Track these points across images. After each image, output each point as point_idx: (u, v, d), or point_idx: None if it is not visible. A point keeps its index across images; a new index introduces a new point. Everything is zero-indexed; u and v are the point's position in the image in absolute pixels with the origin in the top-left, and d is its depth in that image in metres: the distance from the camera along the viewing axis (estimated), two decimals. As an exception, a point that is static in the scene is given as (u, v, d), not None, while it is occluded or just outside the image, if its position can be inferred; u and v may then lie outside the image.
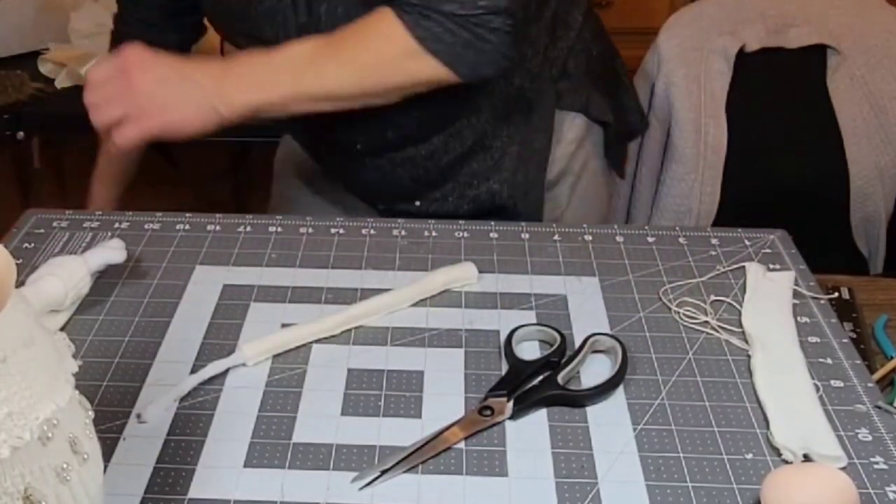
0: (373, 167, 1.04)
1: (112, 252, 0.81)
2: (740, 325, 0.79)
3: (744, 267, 0.86)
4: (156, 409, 0.68)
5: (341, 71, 0.89)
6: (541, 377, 0.72)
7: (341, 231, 0.92)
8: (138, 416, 0.68)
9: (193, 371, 0.72)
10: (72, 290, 0.77)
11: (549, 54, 1.05)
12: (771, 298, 0.82)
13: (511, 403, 0.69)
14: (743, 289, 0.83)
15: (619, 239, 0.91)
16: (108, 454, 0.64)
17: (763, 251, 0.89)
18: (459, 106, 1.00)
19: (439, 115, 1.00)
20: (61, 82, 1.91)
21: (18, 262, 0.85)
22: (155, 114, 0.87)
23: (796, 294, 0.83)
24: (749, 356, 0.75)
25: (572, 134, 1.09)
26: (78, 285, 0.78)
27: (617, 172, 1.22)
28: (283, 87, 0.89)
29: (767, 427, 0.68)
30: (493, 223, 0.93)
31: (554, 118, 1.06)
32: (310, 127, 1.04)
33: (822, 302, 0.82)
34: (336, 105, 0.91)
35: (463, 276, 0.83)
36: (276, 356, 0.75)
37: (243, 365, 0.73)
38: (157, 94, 0.87)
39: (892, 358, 0.79)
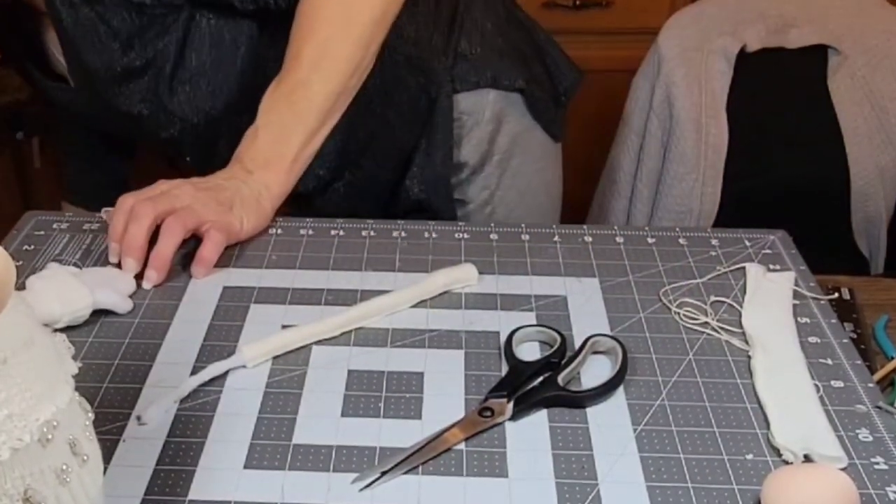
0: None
1: (120, 300, 0.80)
2: (740, 326, 0.79)
3: (744, 268, 0.86)
4: (156, 410, 0.68)
5: (323, 67, 0.90)
6: (541, 378, 0.72)
7: (341, 232, 0.92)
8: (138, 417, 0.68)
9: (193, 373, 0.72)
10: (67, 315, 0.76)
11: (436, 44, 1.05)
12: (771, 299, 0.82)
13: (511, 404, 0.69)
14: (743, 289, 0.83)
15: (619, 240, 0.91)
16: (108, 456, 0.64)
17: (763, 252, 0.89)
18: (376, 125, 1.01)
19: (360, 140, 1.01)
20: (62, 83, 1.91)
21: (18, 263, 0.85)
22: (218, 217, 0.86)
23: (796, 294, 0.83)
24: (749, 357, 0.75)
25: (489, 112, 1.08)
26: (76, 316, 0.77)
27: (552, 136, 1.18)
28: (296, 131, 0.91)
29: (768, 428, 0.68)
30: (492, 225, 0.93)
31: (453, 107, 1.06)
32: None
33: (823, 302, 0.82)
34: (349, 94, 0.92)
35: (463, 277, 0.83)
36: (275, 358, 0.75)
37: (243, 367, 0.73)
38: (209, 195, 0.87)
39: (892, 358, 0.79)
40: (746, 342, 0.77)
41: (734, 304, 0.82)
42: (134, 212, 0.84)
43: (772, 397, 0.71)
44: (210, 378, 0.72)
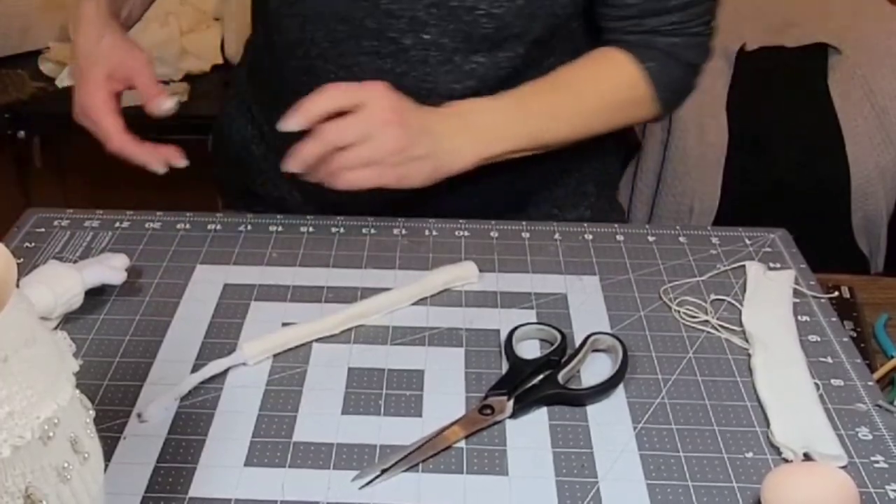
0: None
1: (111, 272, 0.80)
2: (740, 324, 0.79)
3: (744, 266, 0.86)
4: (156, 408, 0.68)
5: (578, 122, 0.92)
6: (541, 376, 0.72)
7: (342, 230, 0.92)
8: (139, 415, 0.68)
9: (194, 370, 0.72)
10: (62, 305, 0.76)
11: None
12: (771, 297, 0.82)
13: (511, 402, 0.69)
14: (743, 288, 0.83)
15: (620, 238, 0.91)
16: (108, 453, 0.64)
17: (763, 250, 0.89)
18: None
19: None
20: (62, 81, 1.91)
21: (19, 261, 0.85)
22: (393, 166, 0.84)
23: (797, 293, 0.83)
24: (749, 355, 0.75)
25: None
26: (70, 301, 0.77)
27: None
28: (518, 140, 0.90)
29: (768, 426, 0.68)
30: (493, 222, 0.93)
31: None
32: None
33: (823, 301, 0.82)
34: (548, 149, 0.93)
35: (463, 274, 0.83)
36: (276, 355, 0.75)
37: (244, 364, 0.73)
38: (402, 148, 0.83)
39: (892, 357, 0.79)
40: (746, 340, 0.77)
41: (734, 303, 0.82)
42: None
43: (772, 396, 0.71)
44: (211, 375, 0.72)
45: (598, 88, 0.93)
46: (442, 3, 0.87)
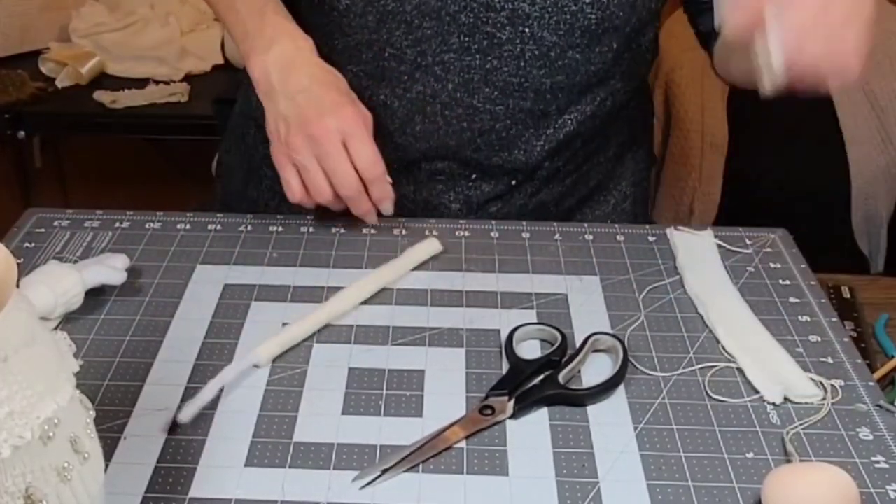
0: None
1: (111, 273, 0.80)
2: (741, 325, 0.79)
3: (741, 264, 0.86)
4: (192, 409, 0.68)
5: None
6: (542, 376, 0.72)
7: (342, 230, 0.92)
8: (175, 421, 0.67)
9: (194, 370, 0.73)
10: (62, 305, 0.76)
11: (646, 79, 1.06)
12: (703, 260, 0.86)
13: (512, 402, 0.69)
14: (743, 287, 0.83)
15: (620, 238, 0.91)
16: (108, 453, 0.64)
17: (764, 250, 0.89)
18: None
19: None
20: (62, 82, 1.91)
21: (19, 261, 0.85)
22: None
23: (797, 293, 0.83)
24: (701, 315, 0.80)
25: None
26: (70, 302, 0.77)
27: None
28: None
29: (743, 376, 0.73)
30: (493, 222, 0.93)
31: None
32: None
33: (823, 301, 0.82)
34: None
35: (430, 249, 0.86)
36: (276, 356, 0.75)
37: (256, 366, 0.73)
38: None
39: (892, 357, 0.79)
40: (693, 303, 0.81)
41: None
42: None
43: (738, 349, 0.75)
44: (231, 379, 0.71)
45: None
46: None
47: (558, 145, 0.95)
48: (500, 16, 0.86)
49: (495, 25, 0.86)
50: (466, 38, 0.87)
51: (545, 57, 0.88)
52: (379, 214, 0.89)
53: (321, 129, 0.84)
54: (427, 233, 0.91)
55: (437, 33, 0.87)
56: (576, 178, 1.00)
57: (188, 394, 0.70)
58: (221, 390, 0.71)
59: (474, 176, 0.96)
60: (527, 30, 0.87)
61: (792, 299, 0.82)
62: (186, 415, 0.67)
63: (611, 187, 1.05)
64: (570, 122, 0.93)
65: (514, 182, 0.96)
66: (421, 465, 0.65)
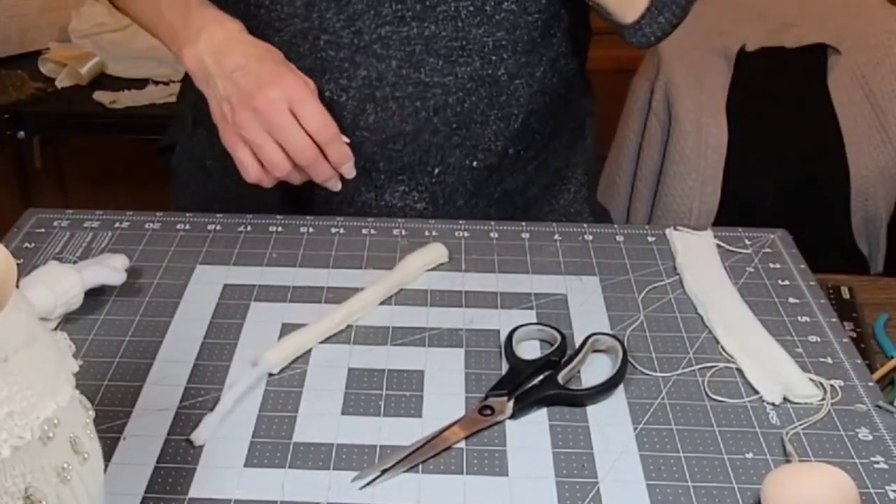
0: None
1: (111, 273, 0.80)
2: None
3: (739, 265, 0.86)
4: (206, 429, 0.67)
5: None
6: (541, 376, 0.72)
7: (342, 231, 0.92)
8: (189, 440, 0.66)
9: (194, 371, 0.73)
10: (61, 305, 0.76)
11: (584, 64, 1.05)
12: (702, 260, 0.86)
13: (511, 403, 0.69)
14: (743, 287, 0.83)
15: (620, 238, 0.91)
16: (108, 453, 0.64)
17: (763, 251, 0.89)
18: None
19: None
20: (62, 82, 1.91)
21: (19, 261, 0.85)
22: None
23: (797, 293, 0.83)
24: (701, 316, 0.80)
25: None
26: (70, 302, 0.76)
27: None
28: None
29: (742, 376, 0.73)
30: (493, 223, 0.93)
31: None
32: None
33: (823, 301, 0.82)
34: None
35: (436, 256, 0.86)
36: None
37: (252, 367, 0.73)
38: None
39: (892, 357, 0.79)
40: (693, 303, 0.81)
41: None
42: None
43: (738, 349, 0.75)
44: (246, 388, 0.70)
45: None
46: None
47: (515, 124, 0.94)
48: None
49: None
50: (399, 6, 0.86)
51: (481, 12, 0.87)
52: (343, 180, 0.87)
53: (264, 101, 0.81)
54: (426, 233, 0.91)
55: (369, 6, 0.86)
56: (536, 165, 1.00)
57: (188, 394, 0.70)
58: (220, 392, 0.71)
59: (437, 171, 0.94)
60: None
61: (791, 299, 0.82)
62: (201, 436, 0.66)
63: (569, 175, 1.05)
64: (520, 90, 0.92)
65: (474, 164, 0.94)
66: (420, 466, 0.65)
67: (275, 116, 0.81)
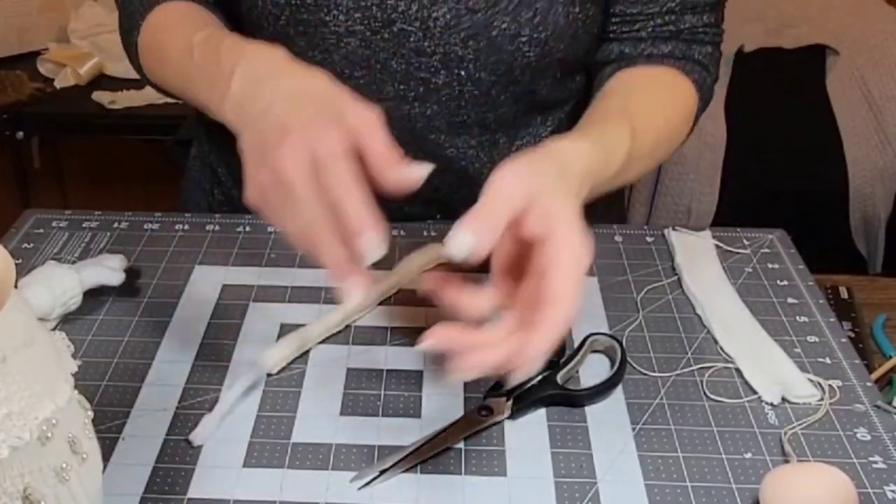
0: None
1: (110, 273, 0.80)
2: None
3: (738, 265, 0.86)
4: (205, 429, 0.67)
5: (647, 159, 0.82)
6: (540, 377, 0.72)
7: (340, 231, 0.91)
8: (189, 441, 0.66)
9: (193, 371, 0.73)
10: (60, 306, 0.76)
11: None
12: (702, 260, 0.86)
13: (510, 403, 0.69)
14: (741, 288, 0.83)
15: (618, 239, 0.91)
16: (107, 454, 0.64)
17: (762, 251, 0.89)
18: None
19: None
20: (61, 82, 1.91)
21: (18, 262, 0.85)
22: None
23: (795, 293, 0.83)
24: (699, 315, 0.80)
25: None
26: (68, 302, 0.77)
27: None
28: (599, 185, 0.70)
29: (741, 376, 0.73)
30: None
31: None
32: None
33: (821, 301, 0.82)
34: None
35: (438, 256, 0.85)
36: (275, 356, 0.75)
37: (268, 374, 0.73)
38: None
39: (890, 357, 0.79)
40: (691, 303, 0.82)
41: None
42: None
43: (736, 350, 0.75)
44: (245, 389, 0.70)
45: (665, 114, 0.84)
46: (481, 34, 0.81)
47: None
48: (432, 60, 0.83)
49: (429, 70, 0.84)
50: (402, 86, 0.85)
51: (486, 95, 0.86)
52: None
53: (280, 160, 0.60)
54: (426, 233, 0.91)
55: (370, 82, 0.85)
56: None
57: (187, 394, 0.71)
58: (218, 392, 0.71)
59: (438, 216, 0.94)
60: (462, 72, 0.84)
61: (790, 300, 0.83)
62: (200, 437, 0.66)
63: None
64: (525, 146, 0.92)
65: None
66: (419, 466, 0.65)
67: (287, 181, 0.60)
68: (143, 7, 0.84)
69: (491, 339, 0.58)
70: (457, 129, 0.88)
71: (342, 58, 0.84)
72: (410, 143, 0.86)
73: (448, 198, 0.91)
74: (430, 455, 0.65)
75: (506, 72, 0.84)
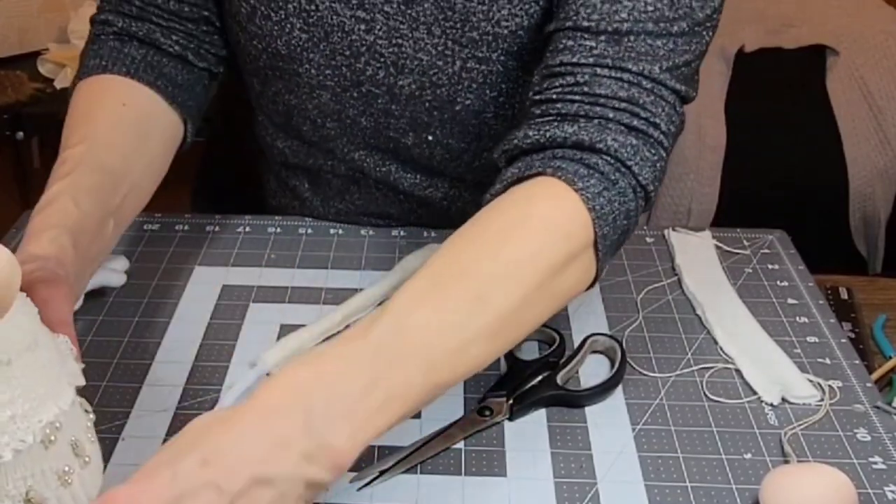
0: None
1: (110, 274, 0.80)
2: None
3: (738, 265, 0.86)
4: (233, 394, 0.68)
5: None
6: (540, 377, 0.72)
7: (340, 231, 0.92)
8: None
9: (192, 371, 0.73)
10: None
11: None
12: (701, 261, 0.87)
13: (510, 403, 0.69)
14: (741, 288, 0.83)
15: (618, 239, 0.91)
16: (107, 454, 0.64)
17: (762, 251, 0.89)
18: None
19: None
20: (61, 82, 1.91)
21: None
22: None
23: (795, 293, 0.83)
24: (699, 315, 0.80)
25: None
26: None
27: None
28: (414, 389, 0.55)
29: (741, 377, 0.73)
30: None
31: None
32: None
33: (821, 302, 0.83)
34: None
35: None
36: (275, 357, 0.75)
37: (250, 368, 0.73)
38: None
39: (890, 358, 0.79)
40: (691, 303, 0.82)
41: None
42: None
43: (736, 350, 0.75)
44: (244, 389, 0.70)
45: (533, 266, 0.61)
46: (445, 107, 0.81)
47: None
48: (399, 122, 0.84)
49: (397, 131, 0.84)
50: (372, 140, 0.86)
51: (458, 159, 0.86)
52: None
53: None
54: (425, 234, 0.91)
55: (342, 133, 0.86)
56: None
57: (187, 395, 0.71)
58: (218, 392, 0.71)
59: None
60: (430, 137, 0.84)
61: (790, 300, 0.83)
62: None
63: None
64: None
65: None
66: (419, 466, 0.65)
67: None
68: (83, 71, 0.89)
69: None
70: (432, 176, 0.89)
71: (315, 107, 0.85)
72: (386, 185, 0.88)
73: (433, 221, 0.92)
74: (430, 455, 0.65)
75: (474, 139, 0.84)
